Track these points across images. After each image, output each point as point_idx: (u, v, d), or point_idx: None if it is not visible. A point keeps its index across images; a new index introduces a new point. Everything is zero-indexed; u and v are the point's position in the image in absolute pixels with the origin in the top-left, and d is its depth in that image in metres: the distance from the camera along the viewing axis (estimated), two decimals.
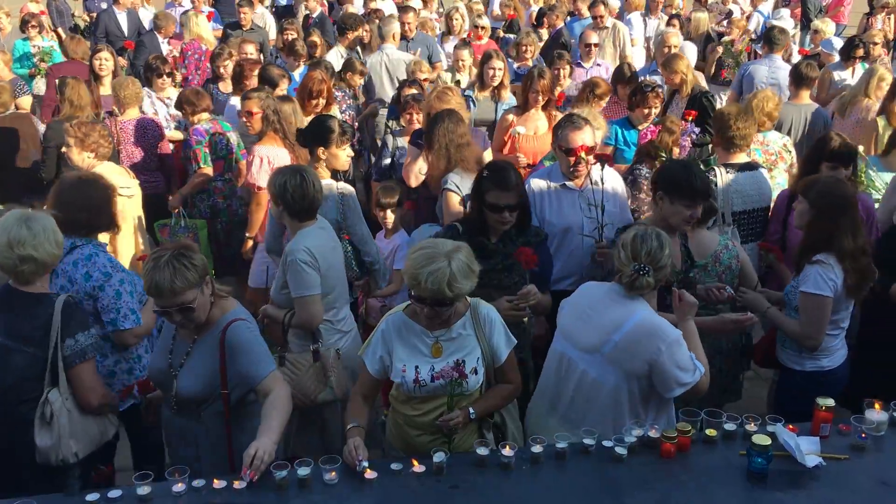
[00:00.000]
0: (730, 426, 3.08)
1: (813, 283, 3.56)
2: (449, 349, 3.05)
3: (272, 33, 11.00)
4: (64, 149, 4.96)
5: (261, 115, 5.35)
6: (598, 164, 4.18)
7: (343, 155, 4.49)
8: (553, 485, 2.84)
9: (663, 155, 4.79)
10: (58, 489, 3.05)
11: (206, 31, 9.35)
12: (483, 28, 9.41)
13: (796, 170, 5.55)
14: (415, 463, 2.87)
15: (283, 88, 6.38)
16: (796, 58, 8.86)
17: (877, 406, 3.12)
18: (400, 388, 3.09)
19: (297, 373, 3.66)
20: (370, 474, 2.80)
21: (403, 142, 5.89)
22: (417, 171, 5.21)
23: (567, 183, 4.26)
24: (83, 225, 3.58)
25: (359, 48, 8.56)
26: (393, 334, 3.08)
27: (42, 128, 6.53)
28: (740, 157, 4.75)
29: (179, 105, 6.06)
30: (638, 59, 9.29)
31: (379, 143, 7.54)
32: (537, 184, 4.30)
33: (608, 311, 3.11)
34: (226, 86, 7.28)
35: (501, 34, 10.69)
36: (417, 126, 5.70)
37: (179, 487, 2.71)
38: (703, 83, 7.51)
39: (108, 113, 6.27)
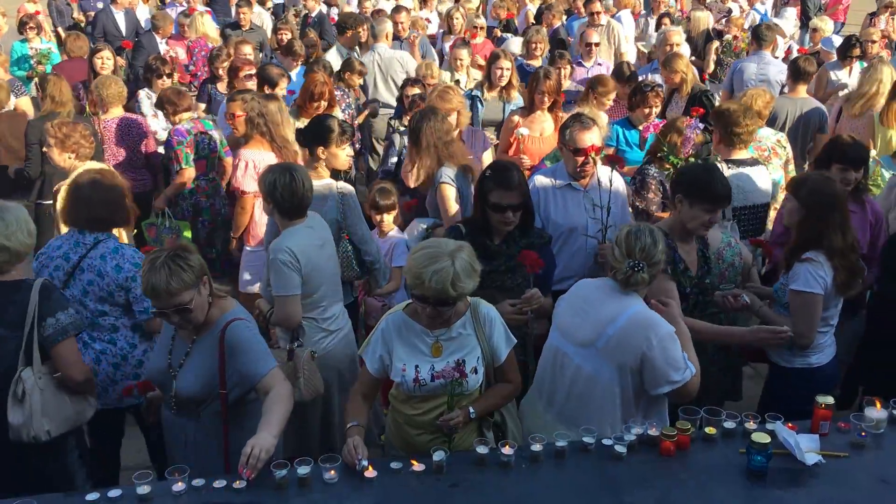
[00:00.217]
0: (729, 424, 3.08)
1: (804, 280, 3.56)
2: (449, 348, 3.05)
3: (270, 33, 11.02)
4: (45, 148, 4.95)
5: (244, 117, 5.31)
6: (609, 165, 4.17)
7: (343, 154, 4.49)
8: (553, 483, 2.84)
9: (671, 157, 4.78)
10: (58, 463, 3.15)
11: (212, 29, 9.46)
12: (481, 28, 9.41)
13: (793, 166, 5.58)
14: (414, 463, 2.87)
15: (282, 88, 6.38)
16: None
17: (877, 404, 3.12)
18: (400, 387, 3.09)
19: None
20: (370, 473, 2.80)
21: None
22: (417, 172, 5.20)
23: (572, 183, 4.26)
24: (104, 220, 3.68)
25: (357, 47, 8.56)
26: (393, 333, 3.08)
27: None
28: (741, 153, 4.76)
29: (160, 105, 6.04)
30: (629, 58, 9.29)
31: (376, 143, 7.58)
32: (542, 182, 4.29)
33: (603, 305, 3.12)
34: (224, 86, 7.30)
35: (498, 34, 10.70)
36: None
37: (179, 487, 2.71)
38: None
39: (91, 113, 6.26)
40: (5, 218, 3.13)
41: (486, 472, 2.87)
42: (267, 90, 6.27)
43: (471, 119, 6.08)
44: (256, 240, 5.07)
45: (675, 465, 2.91)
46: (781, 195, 4.87)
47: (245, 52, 7.57)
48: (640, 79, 6.64)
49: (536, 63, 7.70)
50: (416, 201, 5.27)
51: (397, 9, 9.28)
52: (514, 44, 9.00)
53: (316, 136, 4.44)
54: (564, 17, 11.16)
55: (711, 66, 9.36)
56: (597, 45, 8.27)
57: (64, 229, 4.48)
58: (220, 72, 7.37)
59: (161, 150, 6.42)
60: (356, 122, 7.14)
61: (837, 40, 8.59)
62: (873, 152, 5.47)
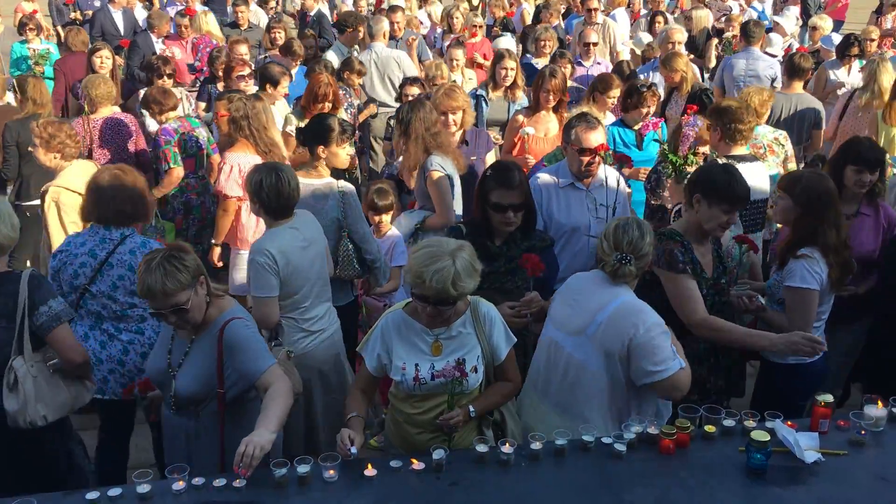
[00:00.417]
0: (729, 422, 3.09)
1: (800, 277, 3.57)
2: (449, 347, 3.05)
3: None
4: (30, 148, 4.93)
5: (227, 117, 5.27)
6: (617, 165, 4.16)
7: (343, 153, 4.48)
8: (552, 481, 2.84)
9: (670, 154, 4.79)
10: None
11: (215, 27, 9.54)
12: (479, 26, 9.41)
13: (793, 164, 5.58)
14: (414, 461, 2.87)
15: (283, 86, 6.38)
16: None
17: (879, 403, 3.13)
18: (400, 386, 3.09)
19: None
20: (370, 472, 2.80)
21: None
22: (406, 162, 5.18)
23: (575, 182, 4.26)
24: (129, 215, 3.76)
25: (357, 46, 8.55)
26: (392, 332, 3.08)
27: None
28: (740, 150, 4.77)
29: (146, 105, 6.02)
30: (624, 56, 9.30)
31: (374, 142, 7.57)
32: (545, 181, 4.29)
33: (594, 295, 3.15)
34: (223, 86, 7.27)
35: (498, 32, 10.69)
36: None
37: (179, 486, 2.71)
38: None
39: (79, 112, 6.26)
40: None
41: (486, 470, 2.87)
42: (269, 89, 6.27)
43: (475, 119, 6.06)
44: (244, 243, 4.96)
45: (674, 464, 2.91)
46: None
47: (241, 52, 7.55)
48: (636, 78, 6.63)
49: (544, 61, 7.64)
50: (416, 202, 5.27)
51: (393, 8, 9.26)
52: (506, 41, 8.99)
53: (316, 134, 4.44)
54: (562, 18, 11.18)
55: (713, 63, 9.36)
56: (595, 44, 8.27)
57: (56, 228, 4.50)
58: (220, 72, 7.36)
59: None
60: (358, 121, 7.14)
61: (837, 38, 8.60)
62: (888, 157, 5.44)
